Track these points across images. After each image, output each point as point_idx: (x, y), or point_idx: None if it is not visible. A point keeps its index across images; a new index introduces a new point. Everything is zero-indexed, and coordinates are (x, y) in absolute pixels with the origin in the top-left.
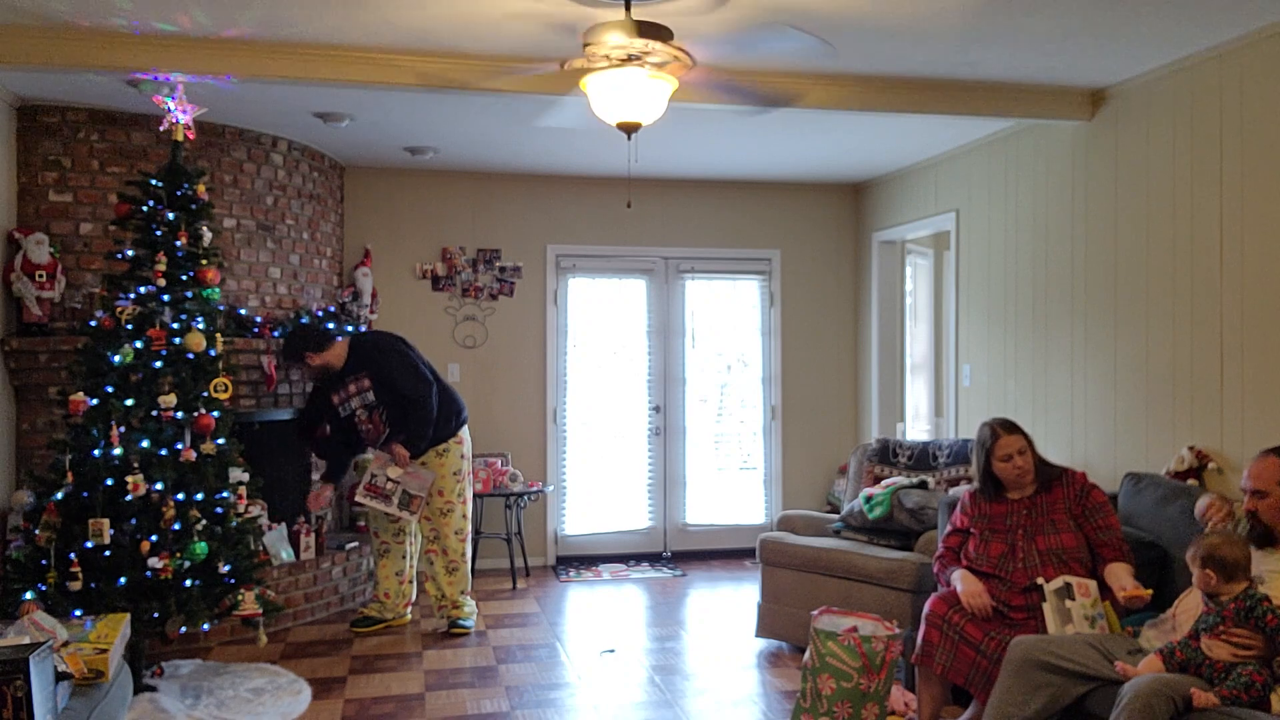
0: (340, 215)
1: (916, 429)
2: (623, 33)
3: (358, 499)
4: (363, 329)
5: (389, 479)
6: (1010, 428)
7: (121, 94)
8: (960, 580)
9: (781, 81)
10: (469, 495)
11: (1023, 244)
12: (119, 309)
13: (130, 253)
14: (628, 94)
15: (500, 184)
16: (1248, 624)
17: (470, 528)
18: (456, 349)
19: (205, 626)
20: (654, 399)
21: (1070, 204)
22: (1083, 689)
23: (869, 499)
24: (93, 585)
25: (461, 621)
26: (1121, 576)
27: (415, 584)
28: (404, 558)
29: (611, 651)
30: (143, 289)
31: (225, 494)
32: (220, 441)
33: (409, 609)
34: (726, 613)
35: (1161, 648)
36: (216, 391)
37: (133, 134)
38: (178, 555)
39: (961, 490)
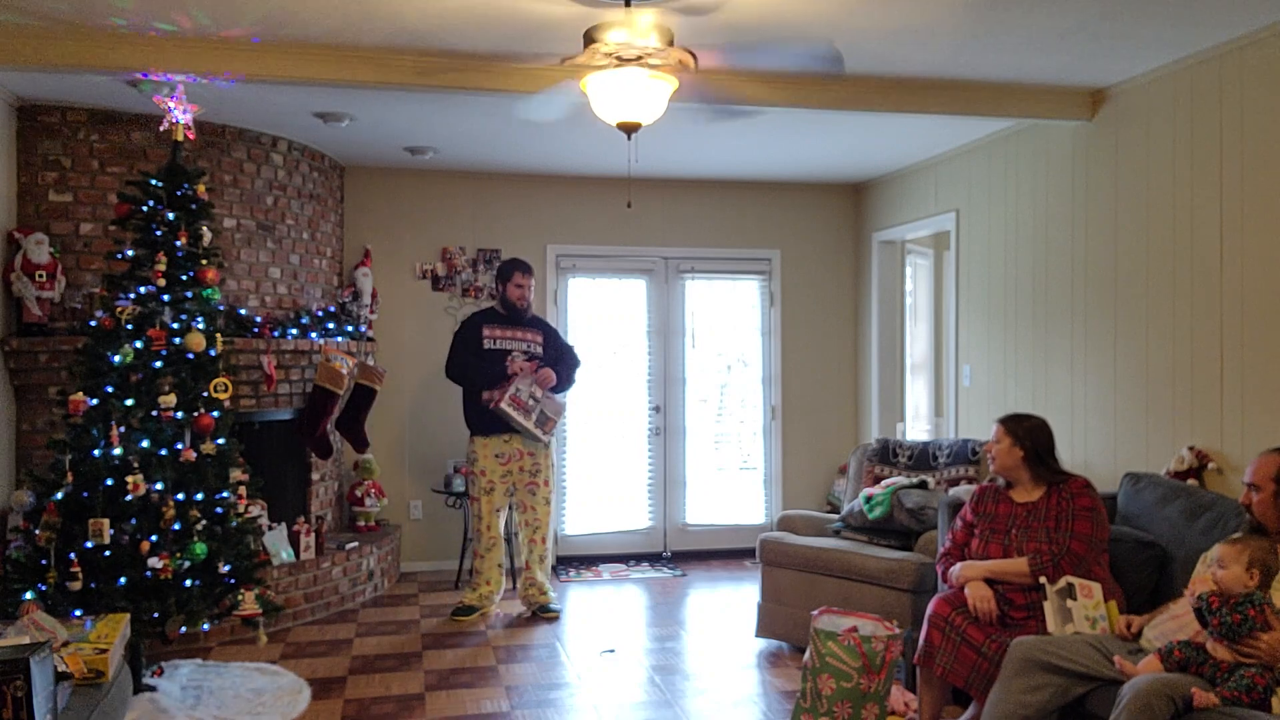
0: (340, 215)
1: (916, 429)
2: (624, 33)
3: (503, 406)
4: (363, 328)
5: (532, 396)
6: (1005, 419)
7: (121, 94)
8: (969, 583)
9: (783, 81)
10: None
11: (1023, 244)
12: (119, 309)
13: (130, 253)
14: (628, 94)
15: (500, 184)
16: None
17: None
18: None
19: (205, 626)
20: (654, 399)
21: (1070, 204)
22: (1083, 689)
23: (869, 499)
24: (93, 585)
25: (552, 606)
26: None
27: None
28: (505, 552)
29: (611, 651)
30: (143, 289)
31: (225, 494)
32: (220, 441)
33: (499, 598)
34: (726, 613)
35: (1160, 647)
36: (216, 391)
37: (133, 134)
38: (178, 555)
39: (964, 489)
